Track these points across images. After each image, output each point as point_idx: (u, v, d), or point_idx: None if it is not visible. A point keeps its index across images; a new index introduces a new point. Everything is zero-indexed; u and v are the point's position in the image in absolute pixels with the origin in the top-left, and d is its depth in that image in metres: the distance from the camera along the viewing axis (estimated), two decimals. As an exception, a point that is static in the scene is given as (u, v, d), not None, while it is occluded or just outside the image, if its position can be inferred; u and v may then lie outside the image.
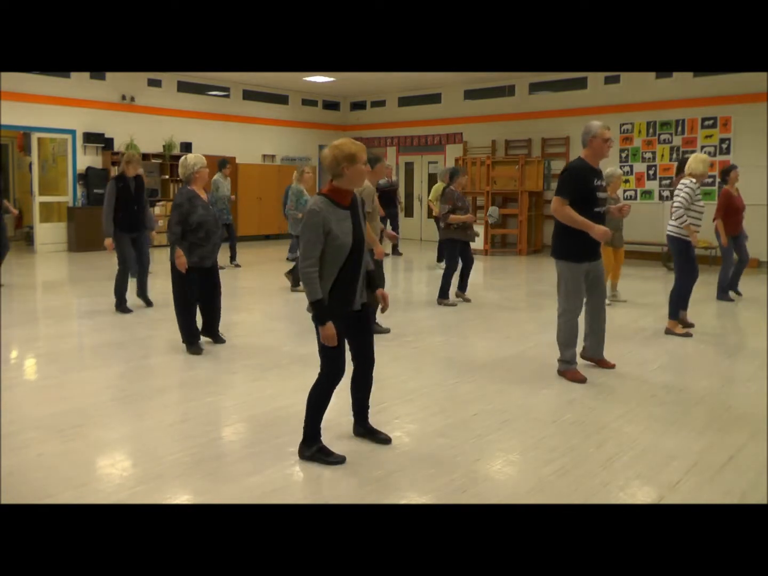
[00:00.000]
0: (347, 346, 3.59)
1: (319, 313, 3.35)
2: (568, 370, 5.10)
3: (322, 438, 3.61)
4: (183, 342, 5.83)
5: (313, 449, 3.58)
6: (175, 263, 5.61)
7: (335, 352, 3.47)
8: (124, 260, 7.50)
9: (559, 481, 3.37)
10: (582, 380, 5.00)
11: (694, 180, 6.42)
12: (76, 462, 3.55)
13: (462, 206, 7.96)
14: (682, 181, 6.54)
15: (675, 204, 6.42)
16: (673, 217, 6.44)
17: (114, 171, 13.91)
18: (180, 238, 5.60)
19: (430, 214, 15.68)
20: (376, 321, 6.47)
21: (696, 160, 6.50)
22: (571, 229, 4.90)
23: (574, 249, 4.95)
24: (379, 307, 3.87)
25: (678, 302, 6.55)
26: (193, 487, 3.31)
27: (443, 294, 8.13)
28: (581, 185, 4.91)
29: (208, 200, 5.79)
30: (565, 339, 5.10)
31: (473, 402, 4.59)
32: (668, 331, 6.56)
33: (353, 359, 3.72)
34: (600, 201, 4.98)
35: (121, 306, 7.48)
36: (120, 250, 7.47)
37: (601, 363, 5.31)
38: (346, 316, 3.53)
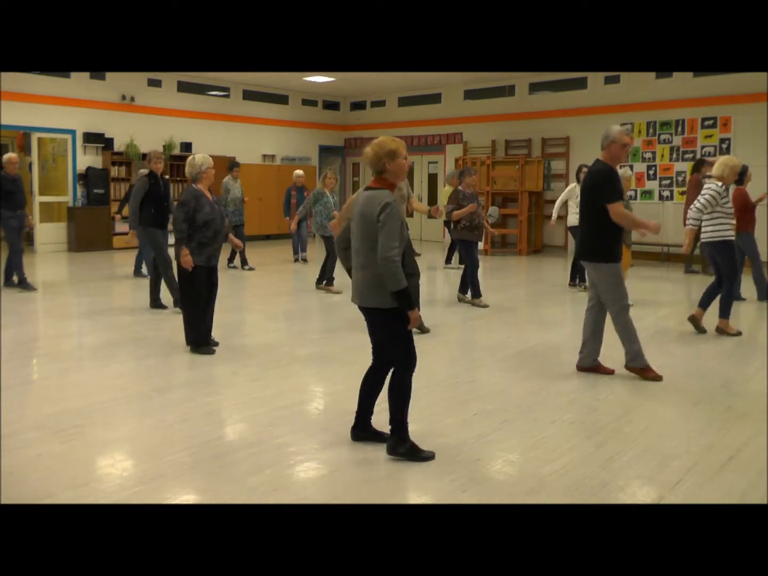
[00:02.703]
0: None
1: (408, 298, 3.39)
2: (639, 364, 5.09)
3: (322, 438, 3.61)
4: (188, 343, 5.75)
5: (407, 446, 3.61)
6: (181, 262, 5.55)
7: (410, 340, 3.54)
8: (163, 254, 7.48)
9: (559, 481, 3.37)
10: (658, 378, 5.03)
11: (720, 183, 6.35)
12: (76, 462, 3.55)
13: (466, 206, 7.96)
14: (707, 184, 6.51)
15: (696, 205, 6.38)
16: (705, 219, 6.39)
17: (114, 171, 14.00)
18: (187, 236, 5.53)
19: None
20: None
21: (720, 164, 6.43)
22: (610, 230, 4.91)
23: (616, 249, 4.98)
24: None
25: (729, 302, 6.52)
26: (193, 487, 3.31)
27: (476, 293, 8.16)
28: (619, 186, 4.98)
29: (213, 200, 5.73)
30: (629, 335, 5.09)
31: (473, 402, 4.59)
32: (719, 330, 6.55)
33: (374, 354, 3.74)
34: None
35: (156, 302, 7.52)
36: (157, 245, 7.51)
37: (599, 369, 5.23)
38: None
